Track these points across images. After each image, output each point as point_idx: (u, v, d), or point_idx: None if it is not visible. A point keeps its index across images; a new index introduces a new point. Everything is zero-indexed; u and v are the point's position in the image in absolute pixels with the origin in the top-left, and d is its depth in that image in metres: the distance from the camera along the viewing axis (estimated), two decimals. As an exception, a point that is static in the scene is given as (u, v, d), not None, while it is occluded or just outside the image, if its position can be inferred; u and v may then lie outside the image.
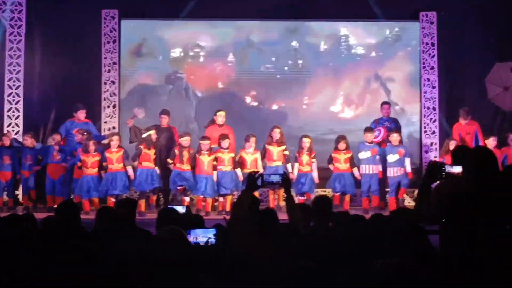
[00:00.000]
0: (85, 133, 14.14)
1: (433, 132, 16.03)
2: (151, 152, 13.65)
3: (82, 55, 15.74)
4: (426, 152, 15.78)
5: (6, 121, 15.47)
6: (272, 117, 15.92)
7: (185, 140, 13.74)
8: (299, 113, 16.33)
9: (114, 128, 15.64)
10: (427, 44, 16.17)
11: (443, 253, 5.10)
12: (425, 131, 16.08)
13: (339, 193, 13.91)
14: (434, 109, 16.10)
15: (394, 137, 13.87)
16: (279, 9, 15.96)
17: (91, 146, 13.60)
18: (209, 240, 5.85)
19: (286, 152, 13.94)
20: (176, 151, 13.70)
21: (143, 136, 13.80)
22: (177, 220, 6.53)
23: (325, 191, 14.54)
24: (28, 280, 4.36)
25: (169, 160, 13.78)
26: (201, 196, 13.70)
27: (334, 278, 3.39)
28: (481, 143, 13.77)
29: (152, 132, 13.84)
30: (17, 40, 15.67)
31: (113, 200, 13.22)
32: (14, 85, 15.57)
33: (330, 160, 13.95)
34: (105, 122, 15.76)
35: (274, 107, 16.42)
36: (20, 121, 15.50)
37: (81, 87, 15.60)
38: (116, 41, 15.99)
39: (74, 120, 14.55)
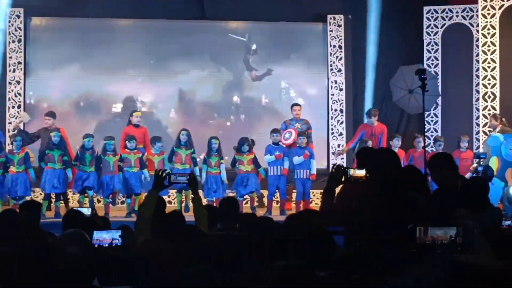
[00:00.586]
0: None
1: (340, 134, 16.24)
2: (56, 153, 13.37)
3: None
4: (334, 154, 15.96)
5: None
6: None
7: (87, 141, 13.49)
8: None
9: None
10: (334, 46, 16.37)
11: (347, 253, 5.16)
12: (333, 133, 16.27)
13: (246, 195, 13.92)
14: (341, 111, 16.32)
15: (301, 139, 13.97)
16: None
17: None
18: (114, 241, 5.78)
19: (194, 155, 13.89)
20: (79, 153, 13.48)
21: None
22: (82, 222, 6.44)
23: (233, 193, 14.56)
24: None
25: (73, 162, 13.53)
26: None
27: (233, 280, 3.39)
28: (383, 145, 13.99)
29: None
30: None
31: (16, 202, 12.93)
32: None
33: (234, 162, 13.94)
34: (10, 123, 15.42)
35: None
36: None
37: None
38: (22, 40, 15.69)
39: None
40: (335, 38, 16.37)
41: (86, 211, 7.56)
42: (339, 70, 16.36)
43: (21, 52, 15.67)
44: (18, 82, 15.61)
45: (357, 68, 16.57)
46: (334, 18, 16.42)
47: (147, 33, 16.39)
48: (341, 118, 16.30)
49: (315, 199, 15.01)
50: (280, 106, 16.46)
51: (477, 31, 15.62)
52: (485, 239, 4.26)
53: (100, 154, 13.44)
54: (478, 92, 15.63)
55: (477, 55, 15.66)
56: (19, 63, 15.63)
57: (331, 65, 16.35)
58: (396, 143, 14.18)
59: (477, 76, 15.67)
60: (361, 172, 5.67)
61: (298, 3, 16.46)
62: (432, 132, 16.34)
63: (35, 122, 14.77)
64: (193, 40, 16.29)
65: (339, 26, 16.38)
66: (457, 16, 16.38)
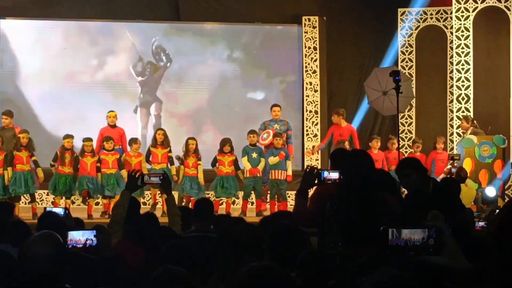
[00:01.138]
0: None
1: (315, 135, 16.28)
2: (24, 154, 13.29)
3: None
4: (308, 155, 15.98)
5: None
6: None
7: (67, 142, 13.45)
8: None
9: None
10: (309, 48, 16.41)
11: (321, 254, 5.18)
12: (307, 134, 16.30)
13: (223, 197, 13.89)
14: (316, 112, 16.35)
15: (277, 140, 13.95)
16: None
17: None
18: (87, 242, 5.75)
19: (171, 154, 13.86)
20: (58, 153, 13.41)
21: None
22: (57, 223, 6.40)
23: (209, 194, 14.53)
24: None
25: (52, 162, 13.47)
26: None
27: (205, 283, 3.39)
28: (356, 146, 14.02)
29: None
30: None
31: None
32: None
33: (214, 162, 13.93)
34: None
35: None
36: None
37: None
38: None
39: None
40: (310, 39, 16.40)
41: (61, 211, 7.53)
42: (314, 72, 16.39)
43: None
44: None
45: (332, 69, 16.62)
46: (309, 20, 16.45)
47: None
48: (316, 119, 16.34)
49: (290, 201, 15.00)
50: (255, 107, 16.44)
51: (451, 33, 15.70)
52: (455, 241, 4.28)
53: (78, 155, 13.41)
54: (452, 93, 15.72)
55: (451, 57, 15.76)
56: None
57: (306, 67, 16.38)
58: (376, 145, 14.25)
59: (451, 78, 15.77)
60: (335, 175, 5.71)
61: (273, 5, 16.47)
62: (406, 133, 16.43)
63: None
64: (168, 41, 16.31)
65: (314, 27, 16.41)
66: (431, 18, 16.49)
